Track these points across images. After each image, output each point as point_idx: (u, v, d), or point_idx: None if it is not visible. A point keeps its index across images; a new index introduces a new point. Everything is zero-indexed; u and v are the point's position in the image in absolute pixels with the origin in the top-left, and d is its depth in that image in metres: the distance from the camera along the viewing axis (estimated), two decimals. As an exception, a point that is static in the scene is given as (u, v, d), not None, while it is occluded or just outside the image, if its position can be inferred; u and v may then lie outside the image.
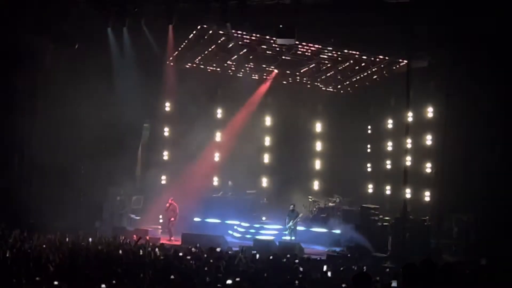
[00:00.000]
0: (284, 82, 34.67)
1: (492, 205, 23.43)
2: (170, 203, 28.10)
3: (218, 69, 33.07)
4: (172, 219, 28.06)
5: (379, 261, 22.41)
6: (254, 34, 27.39)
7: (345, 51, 28.71)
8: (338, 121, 35.08)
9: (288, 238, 27.06)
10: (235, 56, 30.20)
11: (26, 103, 27.97)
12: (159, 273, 14.33)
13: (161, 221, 29.79)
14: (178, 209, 28.18)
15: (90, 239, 21.99)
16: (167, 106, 33.57)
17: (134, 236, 25.11)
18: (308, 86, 34.96)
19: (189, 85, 31.69)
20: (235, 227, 29.52)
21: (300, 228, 27.82)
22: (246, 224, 29.43)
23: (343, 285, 13.53)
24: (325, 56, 29.80)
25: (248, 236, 28.14)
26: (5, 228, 22.12)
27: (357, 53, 28.87)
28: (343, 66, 30.91)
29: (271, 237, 27.32)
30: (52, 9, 26.19)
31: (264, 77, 34.12)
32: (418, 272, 7.17)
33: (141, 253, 18.43)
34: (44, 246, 18.88)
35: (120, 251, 18.37)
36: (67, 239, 21.21)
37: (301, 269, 16.53)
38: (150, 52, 28.99)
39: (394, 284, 11.84)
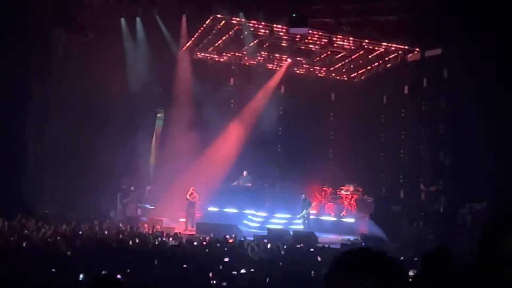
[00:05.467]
0: (297, 71, 34.60)
1: (507, 193, 23.34)
2: (192, 193, 28.21)
3: (232, 59, 33.03)
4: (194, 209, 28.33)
5: (394, 250, 22.38)
6: (267, 23, 27.34)
7: (359, 39, 28.61)
8: (351, 110, 34.94)
9: (301, 227, 27.16)
10: (249, 46, 30.16)
11: (40, 93, 28.10)
12: (173, 262, 14.38)
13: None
14: (198, 199, 28.37)
15: (105, 230, 22.13)
16: (181, 96, 33.51)
17: (146, 225, 25.29)
18: (321, 75, 34.87)
19: (202, 75, 31.77)
20: (249, 216, 29.60)
21: (313, 217, 27.91)
22: (262, 214, 29.52)
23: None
24: (339, 45, 29.70)
25: (262, 225, 28.19)
26: (21, 219, 22.26)
27: (371, 41, 28.77)
28: (357, 55, 30.81)
29: (281, 226, 27.43)
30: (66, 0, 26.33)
31: (277, 66, 34.04)
32: (435, 260, 7.13)
33: (155, 242, 18.51)
34: (59, 236, 18.98)
35: (134, 240, 18.46)
36: (82, 230, 21.34)
37: (318, 258, 16.52)
38: (164, 42, 29.06)
39: (411, 273, 11.80)
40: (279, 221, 28.95)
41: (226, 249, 17.51)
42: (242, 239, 20.75)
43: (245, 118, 33.63)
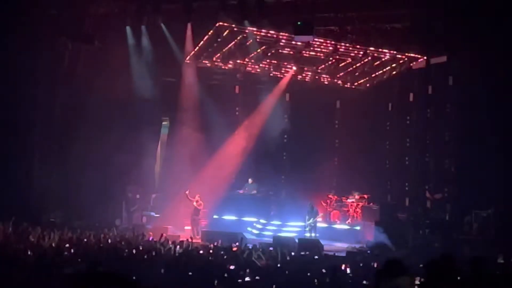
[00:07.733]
0: (303, 79, 34.56)
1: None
2: (197, 200, 28.19)
3: (237, 67, 33.02)
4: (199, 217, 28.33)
5: (400, 258, 22.28)
6: (272, 31, 27.35)
7: (364, 47, 28.60)
8: (357, 118, 34.88)
9: (308, 235, 27.11)
10: (253, 54, 30.18)
11: (46, 101, 28.17)
12: (178, 269, 14.36)
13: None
14: (202, 207, 28.37)
15: (111, 238, 22.12)
16: (186, 104, 33.53)
17: (151, 233, 25.26)
18: (327, 82, 34.84)
19: (207, 83, 31.81)
20: (254, 224, 29.58)
21: (319, 225, 27.88)
22: (267, 221, 29.50)
23: (364, 282, 13.46)
24: (344, 53, 29.69)
25: (267, 233, 28.16)
26: (27, 227, 22.27)
27: (376, 49, 28.75)
28: (362, 62, 30.78)
29: (294, 234, 27.37)
30: (72, 8, 26.41)
31: (283, 74, 34.02)
32: (441, 268, 7.13)
33: (161, 250, 18.50)
34: (64, 244, 18.98)
35: (140, 248, 18.46)
36: (87, 238, 21.34)
37: (323, 270, 16.46)
38: (169, 50, 29.11)
39: (417, 281, 11.77)
40: (292, 229, 28.93)
41: (231, 256, 17.49)
42: (247, 246, 20.72)
43: (250, 126, 33.65)
